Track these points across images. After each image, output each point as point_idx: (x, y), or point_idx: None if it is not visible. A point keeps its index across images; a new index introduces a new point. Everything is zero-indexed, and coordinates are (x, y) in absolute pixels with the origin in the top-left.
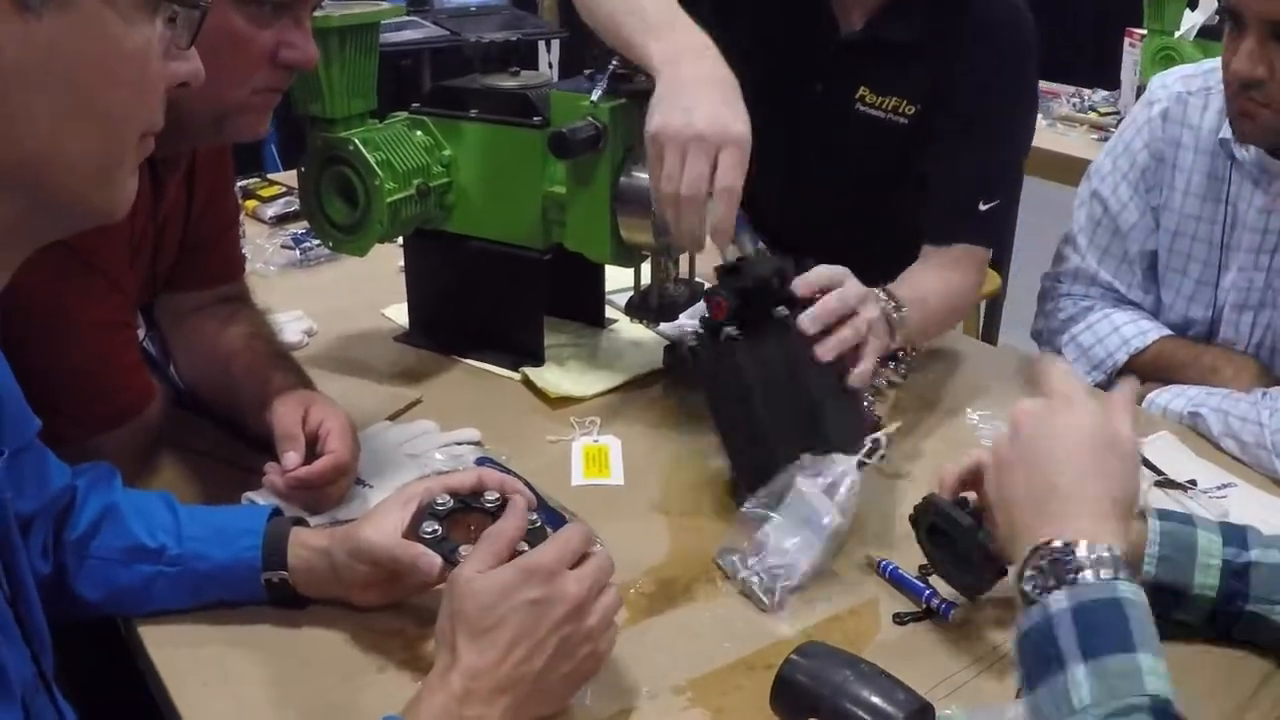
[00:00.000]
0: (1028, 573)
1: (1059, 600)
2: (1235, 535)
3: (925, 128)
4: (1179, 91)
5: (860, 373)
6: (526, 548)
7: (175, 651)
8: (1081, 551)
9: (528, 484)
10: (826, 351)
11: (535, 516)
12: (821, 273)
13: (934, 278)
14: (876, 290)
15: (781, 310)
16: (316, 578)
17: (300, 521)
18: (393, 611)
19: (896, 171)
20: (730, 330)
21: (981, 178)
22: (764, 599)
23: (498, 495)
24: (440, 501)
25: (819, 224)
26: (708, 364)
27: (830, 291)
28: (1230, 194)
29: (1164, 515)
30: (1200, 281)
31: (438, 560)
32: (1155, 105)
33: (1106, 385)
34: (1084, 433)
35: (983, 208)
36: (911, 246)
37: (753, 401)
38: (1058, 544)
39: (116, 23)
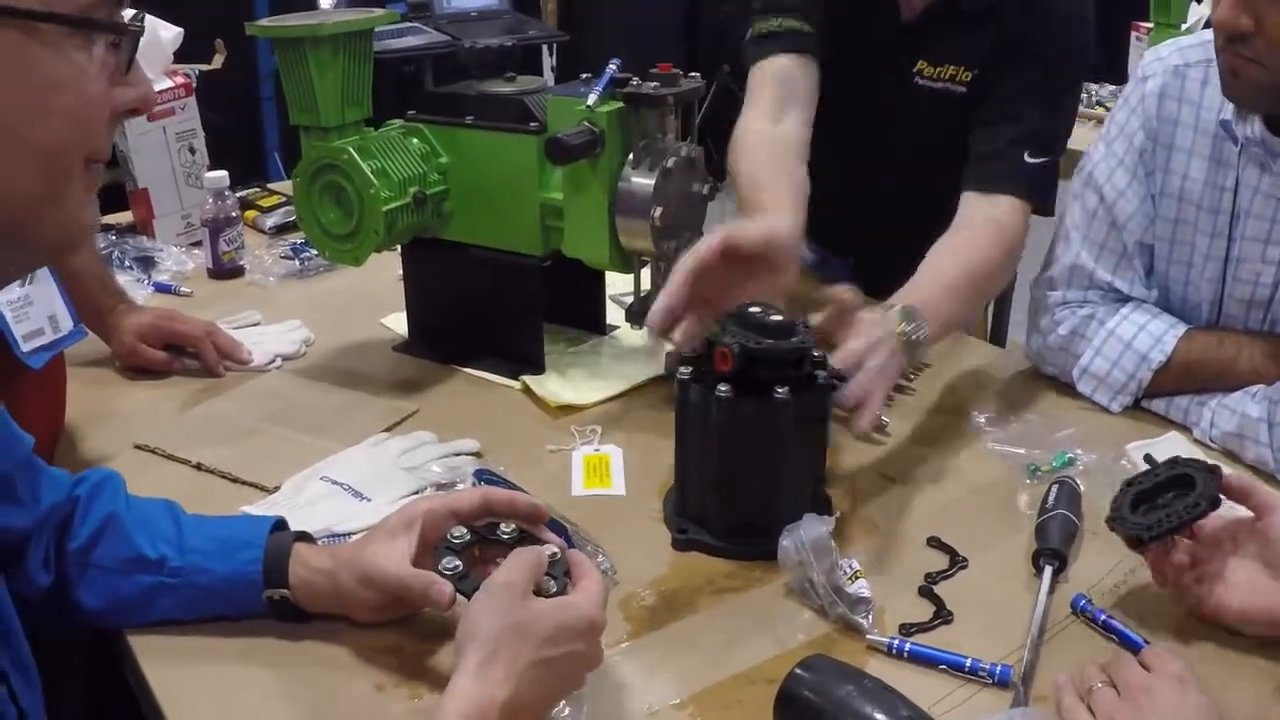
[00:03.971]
0: None
1: None
2: None
3: (983, 92)
4: (1176, 65)
5: (869, 420)
6: (552, 585)
7: (170, 669)
8: None
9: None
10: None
11: (555, 550)
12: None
13: (959, 258)
14: (894, 316)
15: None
16: (319, 597)
17: (304, 536)
18: (391, 628)
19: (956, 141)
20: (724, 390)
21: (1028, 131)
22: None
23: (514, 527)
24: (456, 535)
25: (882, 205)
26: (693, 405)
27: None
28: (1235, 178)
29: None
30: (1206, 278)
31: (449, 589)
32: (1150, 80)
33: (1134, 405)
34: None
35: (1029, 160)
36: None
37: (758, 455)
38: None
39: (41, 52)
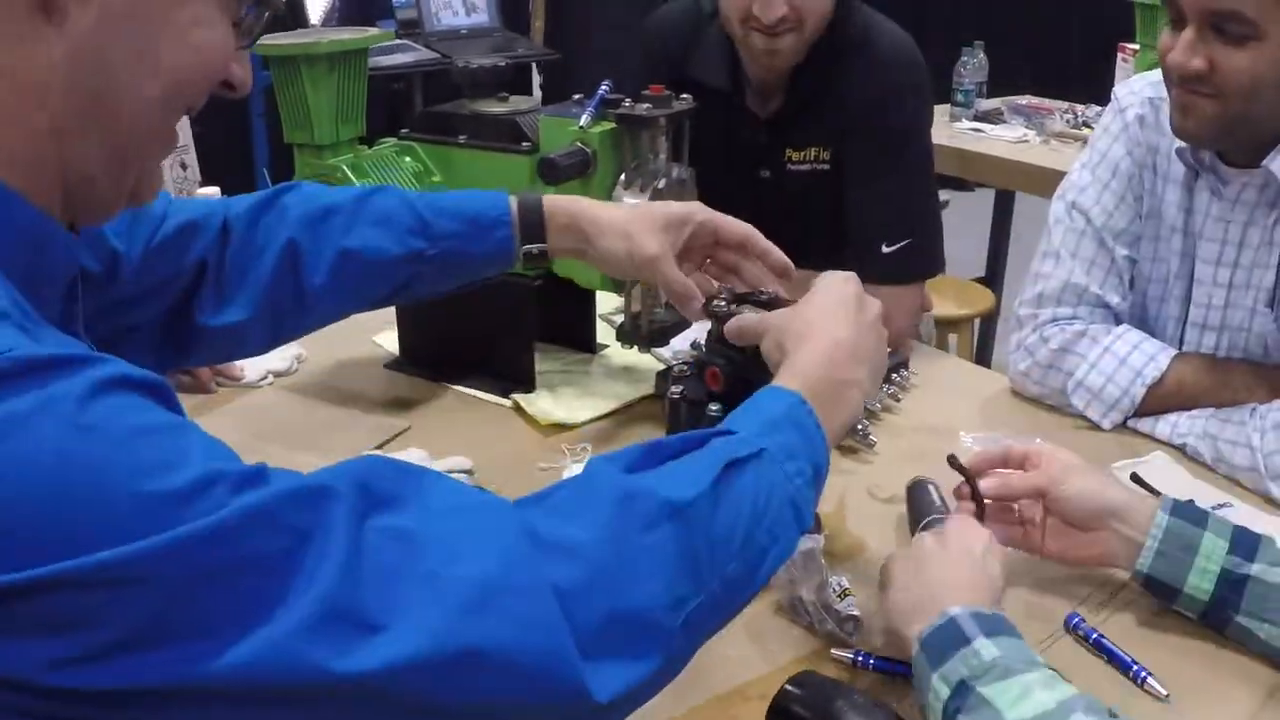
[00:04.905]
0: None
1: (957, 610)
2: (1245, 544)
3: (845, 165)
4: (1150, 96)
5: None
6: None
7: None
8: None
9: None
10: None
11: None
12: None
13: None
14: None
15: None
16: (569, 250)
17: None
18: None
19: (831, 213)
20: (714, 410)
21: (879, 222)
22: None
23: (771, 291)
24: (722, 297)
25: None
26: (684, 424)
27: None
28: (1194, 203)
29: (1177, 510)
30: (1175, 296)
31: (700, 300)
32: (1129, 110)
33: (1122, 424)
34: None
35: (885, 250)
36: None
37: None
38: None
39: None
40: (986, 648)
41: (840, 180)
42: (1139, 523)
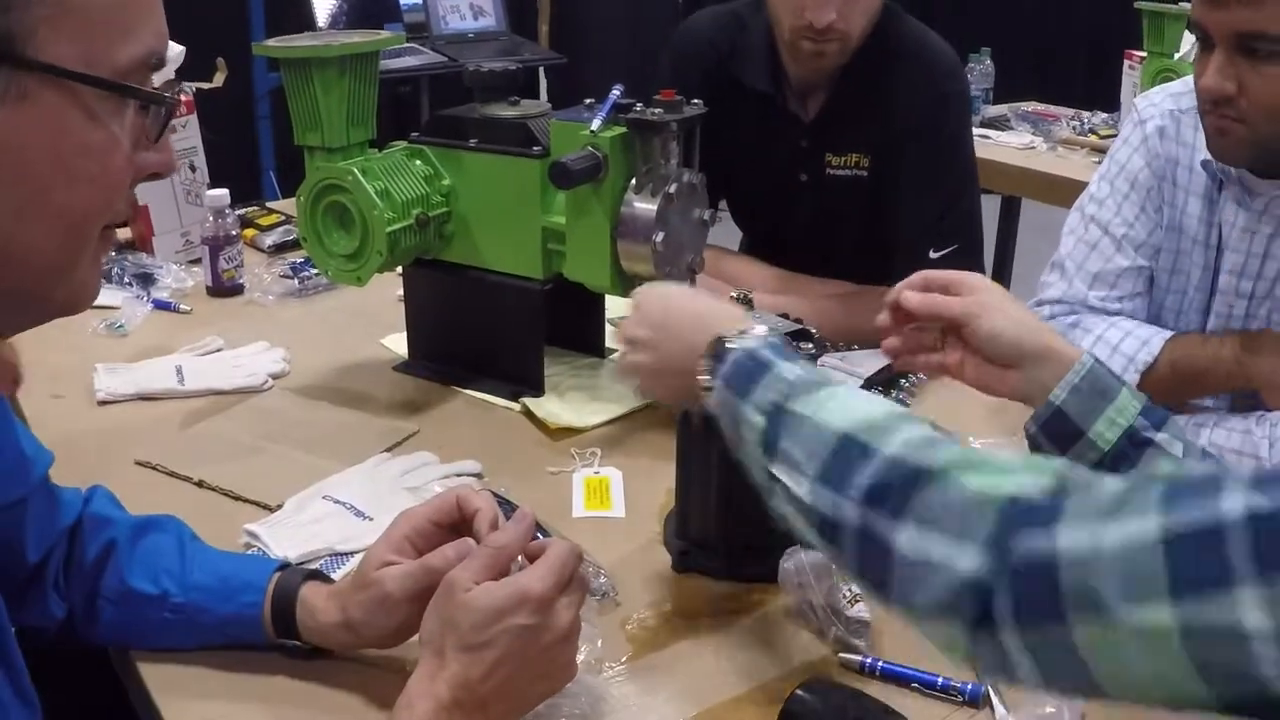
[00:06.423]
0: (704, 363)
1: (751, 341)
2: (1157, 416)
3: (884, 175)
4: (1170, 109)
5: None
6: (526, 562)
7: (186, 703)
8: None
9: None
10: None
11: (538, 535)
12: None
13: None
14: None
15: None
16: (332, 642)
17: (316, 575)
18: (399, 651)
19: (865, 223)
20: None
21: (928, 227)
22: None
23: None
24: None
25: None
26: (695, 428)
27: None
28: (1218, 214)
29: (1101, 363)
30: (1195, 308)
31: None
32: (1149, 123)
33: None
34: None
35: (933, 255)
36: None
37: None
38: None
39: (78, 118)
40: (789, 369)
41: (878, 188)
42: (1055, 370)
